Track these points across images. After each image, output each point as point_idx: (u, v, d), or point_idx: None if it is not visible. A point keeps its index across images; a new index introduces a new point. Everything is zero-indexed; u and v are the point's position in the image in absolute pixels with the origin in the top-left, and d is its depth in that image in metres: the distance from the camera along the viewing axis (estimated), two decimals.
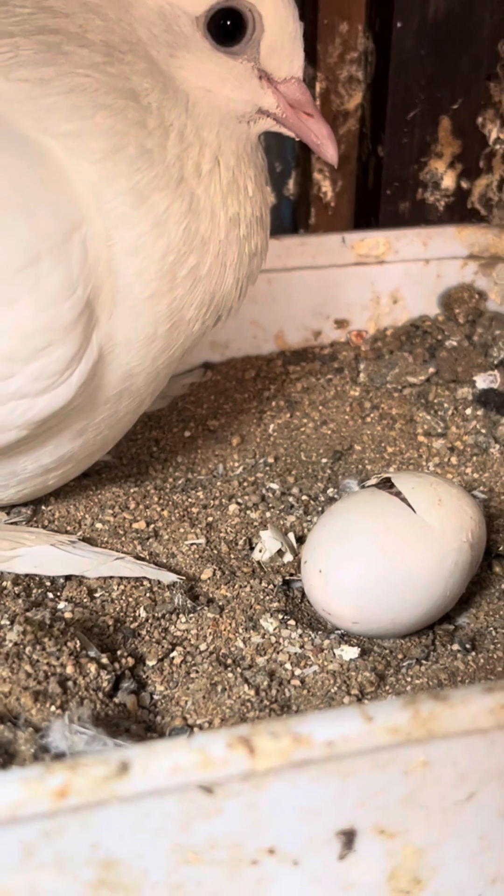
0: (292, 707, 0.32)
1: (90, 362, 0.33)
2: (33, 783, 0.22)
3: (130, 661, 0.33)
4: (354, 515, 0.35)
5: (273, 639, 0.34)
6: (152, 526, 0.40)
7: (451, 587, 0.35)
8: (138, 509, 0.41)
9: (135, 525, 0.40)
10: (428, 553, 0.34)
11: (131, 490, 0.42)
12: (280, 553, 0.39)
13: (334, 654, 0.34)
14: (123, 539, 0.39)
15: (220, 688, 0.32)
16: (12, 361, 0.31)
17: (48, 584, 0.37)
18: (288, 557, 0.39)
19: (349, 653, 0.34)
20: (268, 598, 0.36)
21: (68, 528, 0.40)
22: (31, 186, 0.31)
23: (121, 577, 0.37)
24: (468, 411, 0.48)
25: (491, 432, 0.47)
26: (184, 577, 0.37)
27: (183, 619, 0.35)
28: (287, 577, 0.38)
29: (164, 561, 0.39)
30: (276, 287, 0.54)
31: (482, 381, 0.51)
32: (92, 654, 0.32)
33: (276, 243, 0.51)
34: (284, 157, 0.65)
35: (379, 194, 0.61)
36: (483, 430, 0.47)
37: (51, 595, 0.36)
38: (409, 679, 0.33)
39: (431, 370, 0.52)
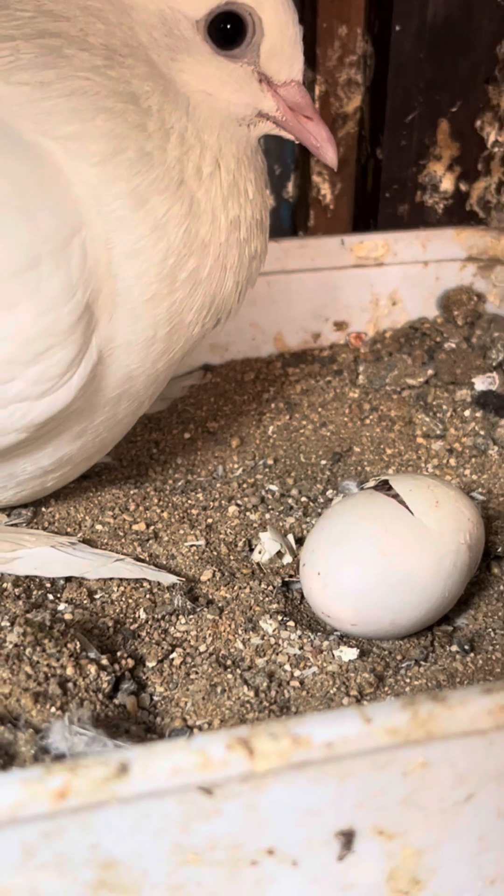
0: (291, 708, 0.32)
1: (90, 365, 0.33)
2: (33, 784, 0.22)
3: (130, 662, 0.33)
4: (352, 518, 0.35)
5: (272, 640, 0.34)
6: (152, 527, 0.40)
7: (449, 588, 0.35)
8: (138, 511, 0.41)
9: (135, 527, 0.40)
10: (426, 555, 0.34)
11: (131, 492, 0.42)
12: (279, 554, 0.39)
13: (333, 655, 0.34)
14: (123, 541, 0.39)
15: (219, 689, 0.32)
16: (13, 365, 0.32)
17: (48, 585, 0.37)
18: (287, 559, 0.39)
19: (348, 654, 0.34)
20: (267, 599, 0.36)
21: (68, 529, 0.40)
22: (31, 189, 0.31)
23: (121, 579, 0.37)
24: (467, 413, 0.49)
25: (489, 434, 0.47)
26: (183, 579, 0.37)
27: (182, 621, 0.35)
28: (286, 579, 0.38)
29: (164, 562, 0.39)
30: (276, 289, 0.54)
31: (481, 383, 0.51)
32: (92, 655, 0.32)
33: (276, 246, 0.52)
34: (284, 159, 0.65)
35: (378, 197, 0.61)
36: (482, 432, 0.47)
37: (51, 596, 0.36)
38: (407, 680, 0.33)
39: (430, 372, 0.52)
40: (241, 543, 0.40)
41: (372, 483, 0.37)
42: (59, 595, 0.36)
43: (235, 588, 0.37)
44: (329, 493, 0.44)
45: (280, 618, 0.35)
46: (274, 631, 0.35)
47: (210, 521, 0.41)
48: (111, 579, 0.37)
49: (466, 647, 0.35)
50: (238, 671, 0.33)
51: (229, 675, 0.33)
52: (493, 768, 0.25)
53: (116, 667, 0.33)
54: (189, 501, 0.42)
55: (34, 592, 0.36)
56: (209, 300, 0.36)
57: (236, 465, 0.46)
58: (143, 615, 0.36)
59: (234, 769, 0.23)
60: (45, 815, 0.22)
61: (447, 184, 0.62)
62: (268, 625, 0.35)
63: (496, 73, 0.60)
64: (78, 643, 0.32)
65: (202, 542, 0.40)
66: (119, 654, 0.33)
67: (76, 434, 0.36)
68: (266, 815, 0.24)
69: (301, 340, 0.56)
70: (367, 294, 0.55)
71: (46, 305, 0.31)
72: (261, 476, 0.44)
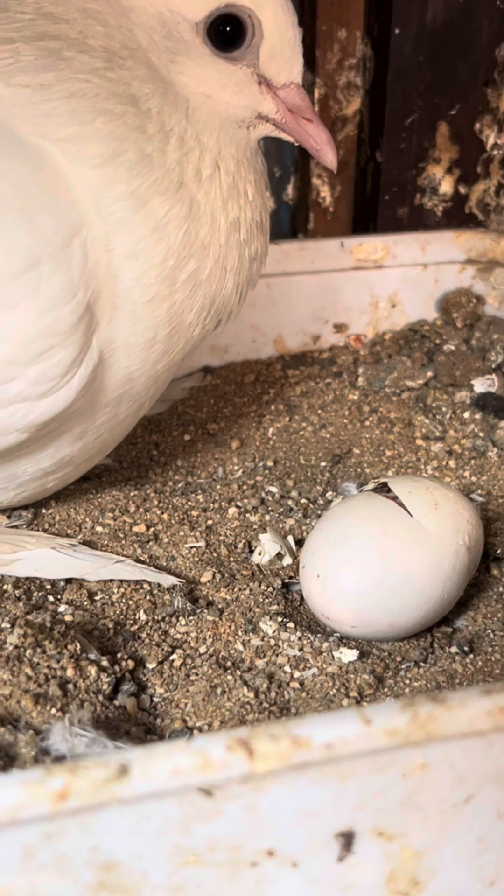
0: (291, 709, 0.32)
1: (90, 366, 0.33)
2: (34, 786, 0.22)
3: (130, 663, 0.33)
4: (352, 520, 0.35)
5: (272, 641, 0.35)
6: (152, 529, 0.40)
7: (448, 590, 0.35)
8: (138, 513, 0.41)
9: (135, 528, 0.40)
10: (425, 556, 0.34)
11: (131, 493, 0.42)
12: (279, 556, 0.39)
13: (333, 656, 0.34)
14: (123, 542, 0.39)
15: (219, 690, 0.32)
16: (13, 365, 0.32)
17: (49, 587, 0.37)
18: (287, 560, 0.39)
19: (348, 655, 0.34)
20: (267, 600, 0.36)
21: (69, 531, 0.40)
22: (31, 191, 0.32)
23: (121, 580, 0.37)
24: (466, 415, 0.49)
25: (489, 436, 0.47)
26: (183, 580, 0.37)
27: (183, 622, 0.35)
28: (286, 580, 0.38)
29: (164, 564, 0.39)
30: (276, 292, 0.54)
31: (480, 385, 0.51)
32: (92, 656, 0.32)
33: (276, 248, 0.52)
34: (283, 162, 0.65)
35: (377, 199, 0.62)
36: (481, 434, 0.47)
37: (51, 598, 0.36)
38: (407, 681, 0.34)
39: (430, 374, 0.52)
40: (240, 545, 0.40)
41: (371, 485, 0.37)
42: (59, 597, 0.36)
43: (235, 589, 0.37)
44: (329, 494, 0.44)
45: (280, 619, 0.35)
46: (274, 632, 0.35)
47: (210, 522, 0.41)
48: (111, 581, 0.37)
49: (466, 649, 0.35)
50: (238, 672, 0.33)
51: (229, 677, 0.33)
52: (492, 769, 0.25)
53: (117, 668, 0.33)
54: (189, 503, 0.42)
55: (34, 594, 0.36)
56: (209, 302, 0.36)
57: (236, 467, 0.46)
58: (143, 616, 0.36)
59: (233, 770, 0.23)
60: (46, 816, 0.22)
61: (446, 186, 0.62)
62: (268, 626, 0.35)
63: (495, 75, 0.60)
64: (78, 645, 0.32)
65: (202, 543, 0.40)
66: (119, 655, 0.33)
67: (77, 435, 0.36)
68: (266, 816, 0.24)
69: (301, 342, 0.56)
70: (366, 296, 0.56)
71: (47, 305, 0.31)
72: (261, 478, 0.44)
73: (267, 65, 0.35)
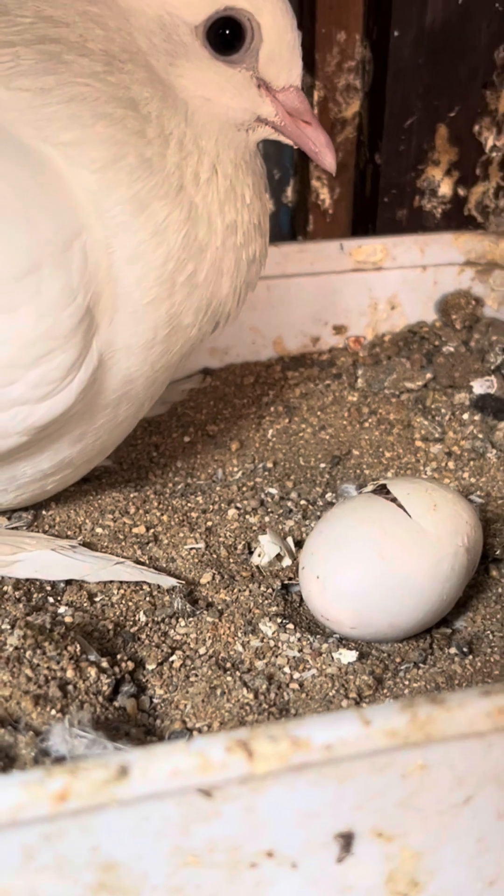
0: (291, 711, 0.32)
1: (90, 369, 0.33)
2: (34, 787, 0.22)
3: (130, 664, 0.33)
4: (351, 521, 0.35)
5: (272, 643, 0.35)
6: (152, 530, 0.41)
7: (447, 591, 0.35)
8: (138, 514, 0.41)
9: (135, 530, 0.40)
10: (424, 558, 0.34)
11: (131, 495, 0.42)
12: (279, 557, 0.40)
13: (332, 657, 0.34)
14: (123, 544, 0.40)
15: (219, 691, 0.32)
16: (13, 368, 0.32)
17: (49, 588, 0.37)
18: (287, 562, 0.39)
19: (347, 656, 0.34)
20: (266, 602, 0.37)
21: (69, 532, 0.40)
22: (31, 195, 0.32)
23: (121, 582, 0.37)
24: (465, 416, 0.49)
25: (488, 437, 0.47)
26: (183, 582, 0.37)
27: (182, 623, 0.36)
28: (286, 582, 0.38)
29: (164, 565, 0.39)
30: (275, 294, 0.54)
31: (479, 387, 0.51)
32: (92, 658, 0.32)
33: (275, 250, 0.52)
34: (283, 164, 0.65)
35: (376, 201, 0.62)
36: (480, 435, 0.47)
37: (51, 599, 0.36)
38: (406, 682, 0.34)
39: (429, 376, 0.52)
40: (240, 546, 0.40)
41: (370, 487, 0.37)
42: (59, 598, 0.36)
43: (235, 591, 0.37)
44: (328, 496, 0.44)
45: (279, 620, 0.35)
46: (273, 633, 0.35)
47: (210, 524, 0.41)
48: (111, 582, 0.37)
49: (465, 650, 0.35)
50: (237, 673, 0.33)
51: (229, 678, 0.33)
52: (491, 770, 0.25)
53: (116, 669, 0.33)
54: (189, 505, 0.42)
55: (34, 595, 0.36)
56: (205, 303, 0.36)
57: (236, 469, 0.46)
58: (142, 618, 0.36)
59: (233, 771, 0.23)
60: (46, 817, 0.22)
61: (445, 188, 0.62)
62: (267, 627, 0.35)
63: (494, 77, 0.60)
64: (78, 646, 0.32)
65: (202, 545, 0.40)
66: (119, 656, 0.34)
67: (77, 437, 0.36)
68: (265, 817, 0.24)
69: (300, 344, 0.56)
70: (365, 298, 0.56)
71: (47, 309, 0.31)
72: (260, 479, 0.45)
73: (266, 68, 0.35)
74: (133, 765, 0.22)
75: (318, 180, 0.63)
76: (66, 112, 0.32)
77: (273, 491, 0.44)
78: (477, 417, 0.49)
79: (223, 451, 0.47)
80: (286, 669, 0.34)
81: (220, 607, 0.36)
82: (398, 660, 0.35)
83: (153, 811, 0.23)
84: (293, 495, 0.44)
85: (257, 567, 0.39)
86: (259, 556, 0.39)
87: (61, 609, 0.35)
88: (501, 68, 0.60)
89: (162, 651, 0.34)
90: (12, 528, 0.40)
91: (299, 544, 0.40)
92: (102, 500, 0.42)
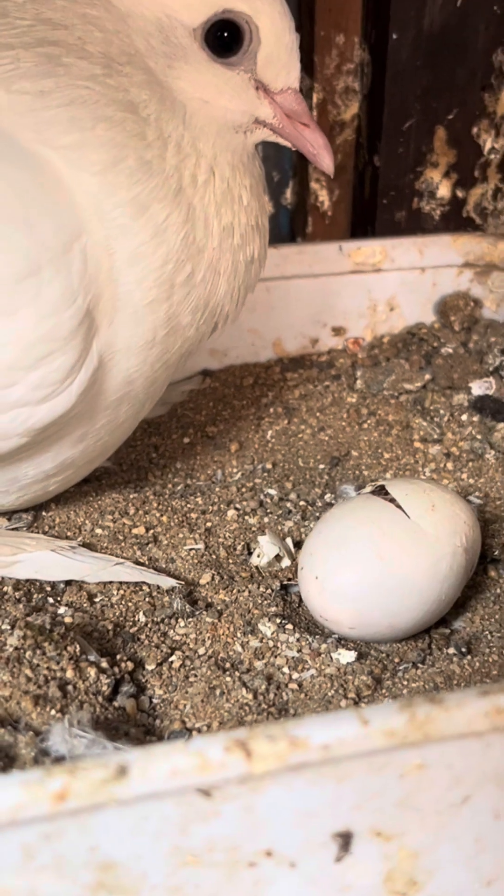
0: (290, 711, 0.32)
1: (90, 370, 0.33)
2: (33, 786, 0.22)
3: (130, 665, 0.33)
4: (350, 521, 0.36)
5: (271, 643, 0.35)
6: (152, 531, 0.41)
7: (446, 591, 0.35)
8: (138, 515, 0.41)
9: (134, 530, 0.41)
10: (422, 558, 0.34)
11: (131, 496, 0.43)
12: (278, 558, 0.40)
13: (331, 657, 0.34)
14: (123, 544, 0.40)
15: (218, 692, 0.32)
16: (14, 370, 0.32)
17: (48, 589, 0.37)
18: (286, 562, 0.40)
19: (346, 657, 0.34)
20: (266, 602, 0.37)
21: (69, 533, 0.40)
22: (31, 198, 0.32)
23: (120, 582, 0.37)
24: (464, 417, 0.49)
25: (486, 438, 0.47)
26: (183, 582, 0.38)
27: (182, 624, 0.36)
28: (285, 582, 0.39)
29: (164, 566, 0.39)
30: (274, 295, 0.54)
31: (478, 388, 0.51)
32: (92, 658, 0.33)
33: (274, 252, 0.52)
34: (282, 166, 0.65)
35: (375, 203, 0.62)
36: (479, 436, 0.47)
37: (51, 600, 0.36)
38: (405, 683, 0.34)
39: (427, 377, 0.52)
40: (239, 547, 0.40)
41: (369, 488, 0.37)
42: (59, 598, 0.37)
43: (234, 591, 0.37)
44: (327, 497, 0.44)
45: (278, 621, 0.35)
46: (272, 634, 0.35)
47: (209, 524, 0.41)
48: (111, 583, 0.37)
49: (463, 650, 0.35)
50: (237, 674, 0.33)
51: (228, 678, 0.33)
52: (489, 770, 0.25)
53: (116, 669, 0.33)
54: (188, 505, 0.42)
55: (34, 596, 0.36)
56: (203, 304, 0.36)
57: (235, 470, 0.46)
58: (142, 618, 0.36)
59: (232, 771, 0.23)
60: (45, 817, 0.22)
61: (444, 190, 0.62)
62: (266, 628, 0.35)
63: (492, 80, 0.60)
64: (78, 646, 0.33)
65: (201, 545, 0.40)
66: (119, 656, 0.34)
67: (78, 438, 0.36)
68: (264, 816, 0.24)
69: (299, 346, 0.56)
70: (364, 300, 0.56)
71: (47, 311, 0.31)
72: (259, 480, 0.45)
73: (264, 70, 0.35)
74: (132, 765, 0.22)
75: (317, 182, 0.63)
76: (66, 115, 0.32)
77: (272, 492, 0.44)
78: (475, 418, 0.49)
79: (222, 452, 0.47)
80: (285, 669, 0.34)
81: (219, 608, 0.37)
82: (397, 660, 0.35)
83: (152, 811, 0.23)
84: (292, 496, 0.44)
85: (256, 568, 0.39)
86: (258, 556, 0.40)
87: (61, 609, 0.36)
88: (500, 71, 0.60)
89: (161, 651, 0.34)
90: (12, 529, 0.40)
91: (298, 545, 0.40)
92: (102, 501, 0.42)
